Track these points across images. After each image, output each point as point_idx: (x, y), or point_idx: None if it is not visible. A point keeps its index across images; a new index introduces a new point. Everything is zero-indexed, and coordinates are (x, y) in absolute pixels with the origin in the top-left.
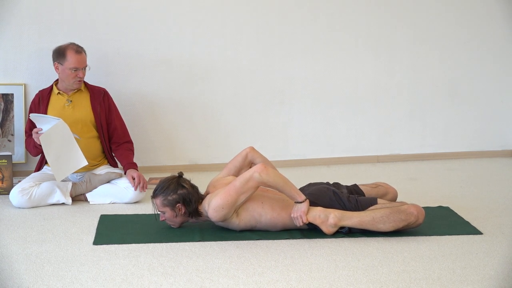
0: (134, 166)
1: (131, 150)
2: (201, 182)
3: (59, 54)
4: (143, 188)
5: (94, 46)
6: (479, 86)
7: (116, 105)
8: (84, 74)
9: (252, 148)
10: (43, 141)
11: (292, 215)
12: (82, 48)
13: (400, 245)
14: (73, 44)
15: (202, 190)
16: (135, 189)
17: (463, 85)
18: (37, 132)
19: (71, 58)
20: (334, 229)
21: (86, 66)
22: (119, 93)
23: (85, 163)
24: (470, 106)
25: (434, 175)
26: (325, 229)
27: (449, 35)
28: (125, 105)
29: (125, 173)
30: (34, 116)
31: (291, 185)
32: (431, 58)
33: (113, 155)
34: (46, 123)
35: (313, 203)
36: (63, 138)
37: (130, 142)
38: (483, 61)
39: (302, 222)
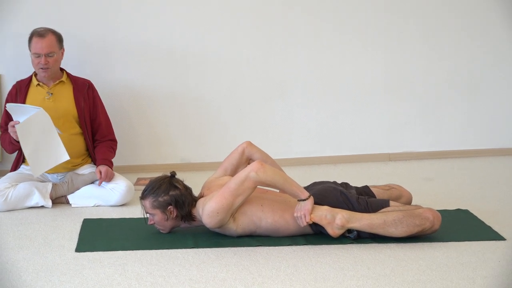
0: (107, 162)
1: (111, 148)
2: (194, 183)
3: (28, 39)
4: (109, 179)
5: (76, 34)
6: (499, 79)
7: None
8: (46, 62)
9: (249, 143)
10: (20, 131)
11: (294, 214)
12: (51, 32)
13: (414, 252)
14: (41, 28)
15: (195, 193)
16: (100, 184)
17: (482, 77)
18: (13, 126)
19: (33, 43)
20: (341, 231)
21: (52, 52)
22: (103, 85)
23: (66, 157)
24: (489, 99)
25: (452, 174)
26: (330, 230)
27: (465, 25)
28: (109, 97)
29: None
30: (11, 106)
31: (292, 181)
32: (446, 48)
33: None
34: (24, 114)
35: (317, 204)
36: (43, 129)
37: (113, 140)
38: (503, 52)
39: (306, 221)
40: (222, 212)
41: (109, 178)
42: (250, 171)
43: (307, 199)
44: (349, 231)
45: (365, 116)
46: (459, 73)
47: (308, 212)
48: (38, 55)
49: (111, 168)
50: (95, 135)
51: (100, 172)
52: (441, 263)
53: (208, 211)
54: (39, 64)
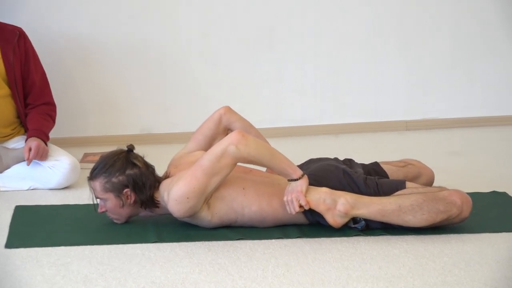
0: (40, 134)
1: (47, 116)
2: (157, 159)
3: None
4: (41, 157)
5: None
6: None
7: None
8: None
9: (228, 109)
10: None
11: (284, 198)
12: None
13: (438, 247)
14: None
15: (159, 172)
16: (28, 163)
17: None
18: None
19: None
20: (344, 220)
21: None
22: (39, 34)
23: None
24: None
25: (486, 147)
26: (331, 219)
27: None
28: (47, 50)
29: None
30: None
31: (281, 157)
32: None
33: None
34: None
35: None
36: None
37: (50, 104)
38: None
39: (298, 208)
40: (194, 197)
41: (40, 156)
42: (228, 144)
43: (300, 178)
44: (355, 220)
45: (376, 72)
46: (497, 18)
47: (301, 194)
48: None
49: (46, 142)
50: (27, 98)
51: (30, 149)
52: (471, 260)
53: (175, 196)
54: None
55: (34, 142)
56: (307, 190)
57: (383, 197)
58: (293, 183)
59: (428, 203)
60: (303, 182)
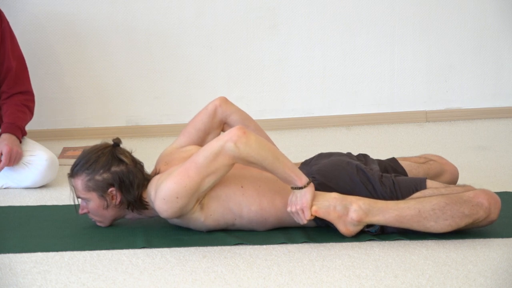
0: (15, 129)
1: (24, 107)
2: (145, 154)
3: None
4: (14, 162)
5: None
6: None
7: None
8: None
9: (224, 100)
10: None
11: (288, 208)
12: None
13: (461, 253)
14: None
15: (148, 169)
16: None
17: None
18: None
19: None
20: (358, 229)
21: None
22: (16, 13)
23: None
24: None
25: None
26: (342, 227)
27: None
28: (27, 32)
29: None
30: None
31: (286, 160)
32: None
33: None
34: None
35: (324, 187)
36: None
37: (28, 93)
38: None
39: (306, 219)
40: (184, 197)
41: (13, 161)
42: (226, 141)
43: (305, 186)
44: (369, 225)
45: (392, 57)
46: None
47: (307, 206)
48: None
49: (19, 138)
50: (1, 85)
51: (1, 154)
52: (499, 268)
53: (163, 194)
54: None
55: (5, 147)
56: (314, 197)
57: (400, 201)
58: (297, 191)
59: (452, 206)
60: (308, 192)
